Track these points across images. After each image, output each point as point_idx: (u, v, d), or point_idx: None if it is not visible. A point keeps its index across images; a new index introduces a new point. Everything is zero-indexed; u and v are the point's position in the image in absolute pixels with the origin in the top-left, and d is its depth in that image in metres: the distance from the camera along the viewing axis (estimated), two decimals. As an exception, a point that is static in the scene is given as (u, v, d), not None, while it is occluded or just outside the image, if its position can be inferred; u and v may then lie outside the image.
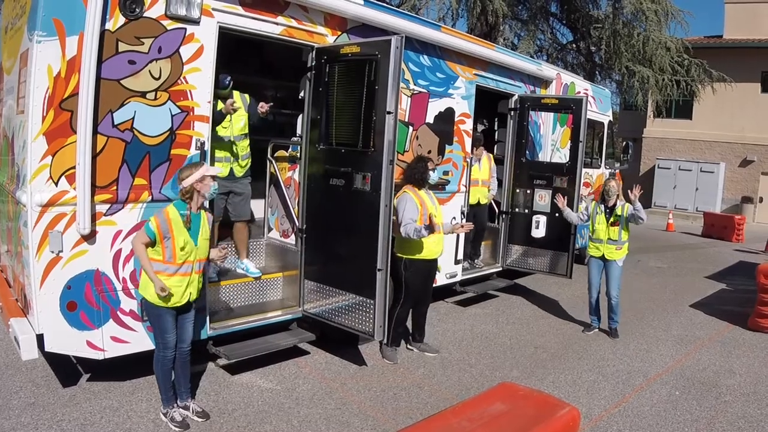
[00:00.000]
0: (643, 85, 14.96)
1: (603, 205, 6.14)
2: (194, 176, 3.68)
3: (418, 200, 5.04)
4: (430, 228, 4.82)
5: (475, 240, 7.50)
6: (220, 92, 4.76)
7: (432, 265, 5.33)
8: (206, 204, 3.89)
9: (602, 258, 6.18)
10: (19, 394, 4.20)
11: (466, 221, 6.88)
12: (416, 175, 5.15)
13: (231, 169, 4.96)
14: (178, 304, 3.74)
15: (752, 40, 20.04)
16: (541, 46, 16.53)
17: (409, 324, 5.50)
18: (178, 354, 3.89)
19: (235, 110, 4.85)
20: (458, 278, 6.92)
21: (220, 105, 4.73)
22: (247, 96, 5.05)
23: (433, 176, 5.20)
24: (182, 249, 3.65)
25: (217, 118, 4.66)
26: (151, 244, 3.63)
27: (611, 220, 6.03)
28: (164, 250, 3.64)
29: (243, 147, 5.03)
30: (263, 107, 5.01)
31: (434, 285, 5.65)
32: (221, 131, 4.79)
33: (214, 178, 3.82)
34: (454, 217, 6.65)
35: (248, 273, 5.17)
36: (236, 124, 4.93)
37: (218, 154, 4.81)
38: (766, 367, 5.70)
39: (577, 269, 7.41)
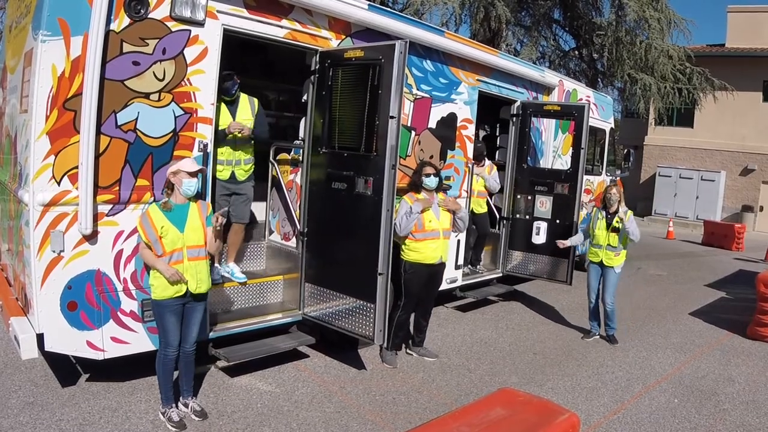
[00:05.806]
0: (644, 93, 14.97)
1: (604, 211, 6.14)
2: (171, 168, 3.77)
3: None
4: (419, 206, 5.02)
5: (476, 246, 7.51)
6: (224, 99, 4.72)
7: (433, 270, 5.29)
8: (190, 195, 3.79)
9: (600, 264, 6.21)
10: (18, 393, 4.19)
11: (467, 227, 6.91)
12: (412, 180, 5.29)
13: (233, 172, 4.90)
14: (180, 293, 3.76)
15: (754, 49, 20.10)
16: (543, 53, 16.53)
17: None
18: (182, 354, 3.90)
19: (240, 131, 4.71)
20: (458, 283, 6.91)
21: (223, 123, 4.66)
22: (256, 101, 5.00)
23: (428, 182, 5.16)
24: (164, 237, 3.68)
25: (219, 136, 4.61)
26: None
27: (612, 226, 6.04)
28: (154, 246, 3.71)
29: (246, 151, 4.95)
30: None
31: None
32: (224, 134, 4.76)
33: (194, 175, 3.74)
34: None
35: (233, 277, 5.03)
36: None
37: (220, 156, 4.77)
38: (764, 375, 5.69)
39: (577, 276, 7.40)
